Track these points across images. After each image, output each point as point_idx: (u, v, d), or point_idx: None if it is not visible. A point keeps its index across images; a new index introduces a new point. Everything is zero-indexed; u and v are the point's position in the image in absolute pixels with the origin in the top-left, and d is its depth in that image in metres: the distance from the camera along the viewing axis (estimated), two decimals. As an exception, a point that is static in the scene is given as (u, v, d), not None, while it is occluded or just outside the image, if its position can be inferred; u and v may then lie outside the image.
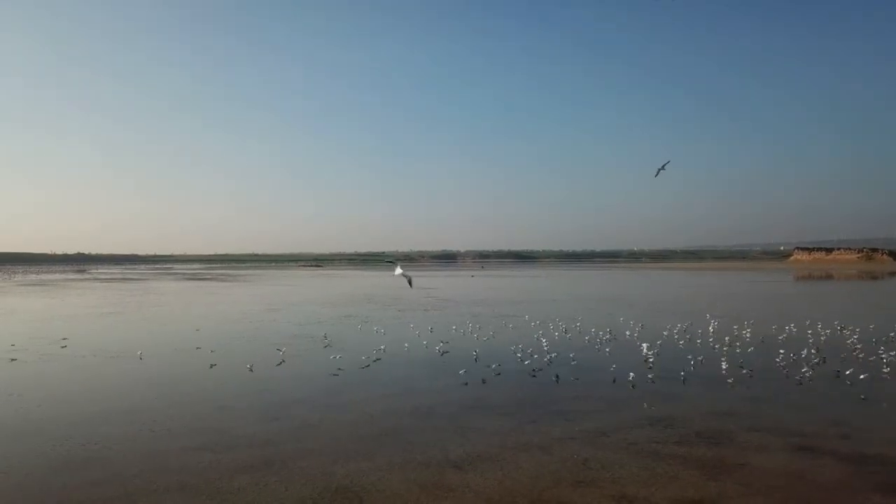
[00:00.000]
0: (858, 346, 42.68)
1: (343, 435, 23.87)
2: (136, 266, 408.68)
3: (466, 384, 33.05)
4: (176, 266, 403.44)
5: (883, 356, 38.15)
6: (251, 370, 36.76)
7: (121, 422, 25.97)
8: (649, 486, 18.07)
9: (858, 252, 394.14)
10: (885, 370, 34.55)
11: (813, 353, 40.13)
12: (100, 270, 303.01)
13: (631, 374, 34.77)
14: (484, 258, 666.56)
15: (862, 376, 32.86)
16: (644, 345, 44.17)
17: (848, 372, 34.12)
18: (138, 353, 42.72)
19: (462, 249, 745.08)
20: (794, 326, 54.24)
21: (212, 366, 39.31)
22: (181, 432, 24.31)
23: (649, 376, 33.93)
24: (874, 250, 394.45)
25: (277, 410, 27.87)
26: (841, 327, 53.42)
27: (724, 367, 35.93)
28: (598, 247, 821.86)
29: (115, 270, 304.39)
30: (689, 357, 38.85)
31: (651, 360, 39.02)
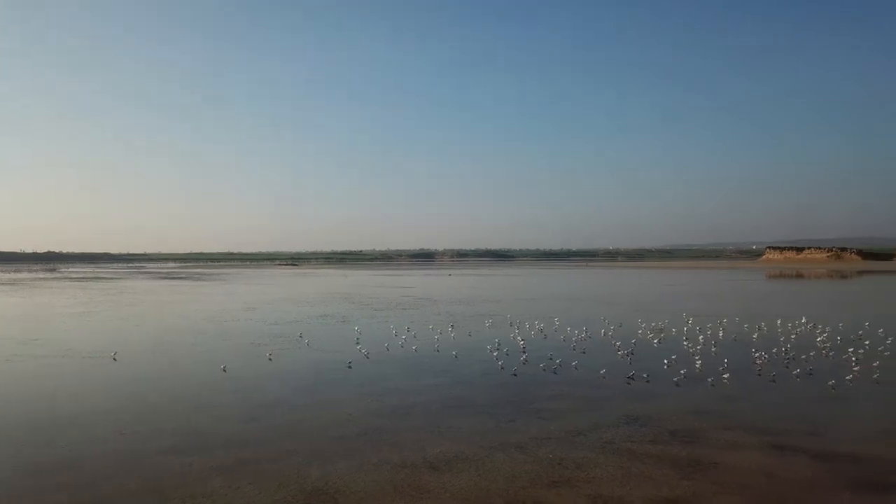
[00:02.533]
0: (828, 345, 43.46)
1: (320, 435, 23.74)
2: (109, 265, 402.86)
3: (445, 384, 33.10)
4: (149, 265, 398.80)
5: (852, 355, 38.81)
6: (225, 370, 36.43)
7: (92, 424, 25.59)
8: (624, 486, 18.21)
9: (828, 251, 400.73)
10: (854, 368, 35.14)
11: (784, 352, 40.79)
12: (71, 269, 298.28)
13: (603, 370, 35.19)
14: (462, 257, 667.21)
15: (832, 376, 33.48)
16: (619, 343, 44.75)
17: (817, 370, 34.81)
18: (112, 353, 42.14)
19: (440, 248, 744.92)
20: (765, 325, 55.07)
21: (187, 366, 38.96)
22: (154, 434, 24.01)
23: (626, 375, 34.12)
24: (843, 249, 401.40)
25: (253, 411, 27.65)
26: (811, 326, 54.32)
27: (697, 365, 36.35)
28: (575, 246, 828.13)
29: (87, 269, 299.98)
30: (664, 356, 39.25)
31: (627, 359, 39.36)
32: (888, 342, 44.24)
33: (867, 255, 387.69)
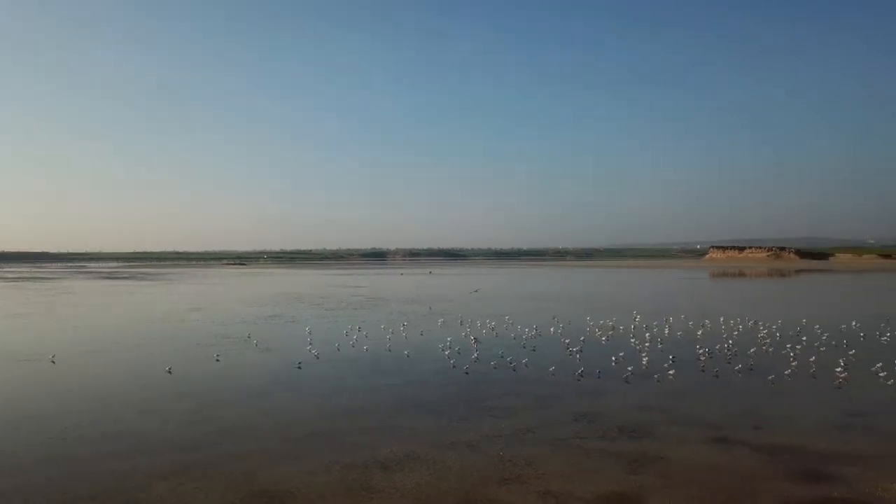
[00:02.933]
0: (768, 341, 44.96)
1: (269, 437, 23.39)
2: (48, 264, 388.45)
3: (397, 383, 33.02)
4: (91, 264, 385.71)
5: (790, 351, 40.20)
6: (170, 372, 35.58)
7: (30, 429, 24.68)
8: (573, 482, 18.46)
9: (768, 250, 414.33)
10: (792, 363, 36.34)
11: (727, 348, 42.01)
12: (6, 269, 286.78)
13: (552, 368, 35.69)
14: (414, 256, 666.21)
15: (771, 371, 34.63)
16: (568, 341, 45.40)
17: (758, 366, 36.01)
18: (50, 356, 40.71)
19: (392, 248, 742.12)
20: (709, 323, 56.65)
21: (130, 368, 37.92)
22: (96, 438, 23.29)
23: (575, 372, 34.58)
24: (782, 249, 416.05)
25: (199, 413, 27.08)
26: (752, 323, 56.08)
27: (644, 362, 37.12)
28: (525, 245, 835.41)
29: (24, 269, 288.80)
30: (612, 353, 39.98)
31: (576, 356, 39.94)
32: (824, 338, 45.98)
33: (804, 254, 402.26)
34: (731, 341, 44.96)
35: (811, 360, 37.12)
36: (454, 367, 36.97)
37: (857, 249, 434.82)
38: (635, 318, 60.93)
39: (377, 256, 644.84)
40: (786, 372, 34.16)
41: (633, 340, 46.55)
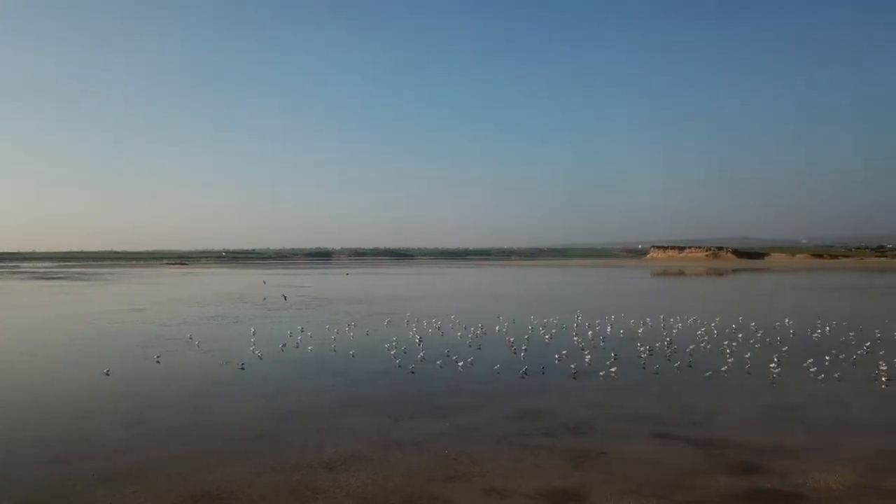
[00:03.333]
0: (706, 339, 46.39)
1: (212, 439, 22.96)
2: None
3: (342, 384, 32.82)
4: (24, 264, 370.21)
5: (727, 348, 41.61)
6: (108, 374, 34.53)
7: (-44, 436, 23.64)
8: (517, 478, 18.69)
9: (707, 250, 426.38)
10: (729, 360, 37.65)
11: (667, 345, 43.21)
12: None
13: (497, 366, 36.10)
14: (360, 256, 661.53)
15: (709, 367, 35.76)
16: (513, 339, 45.94)
17: (696, 363, 37.20)
18: (-23, 359, 39.06)
19: (337, 247, 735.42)
20: (650, 320, 58.10)
21: (67, 371, 36.66)
22: (29, 444, 22.45)
23: (519, 370, 35.00)
24: (720, 248, 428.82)
25: (140, 415, 26.39)
26: (691, 321, 57.79)
27: (587, 359, 37.83)
28: (472, 245, 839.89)
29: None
30: (556, 351, 40.64)
31: (521, 354, 40.45)
32: (759, 335, 47.73)
33: (741, 254, 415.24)
34: (669, 339, 46.23)
35: (746, 356, 38.53)
36: (400, 366, 36.96)
37: (791, 249, 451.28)
38: (578, 316, 62.08)
39: (322, 256, 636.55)
40: (722, 368, 35.35)
41: (576, 339, 47.37)
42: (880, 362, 35.68)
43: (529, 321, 58.60)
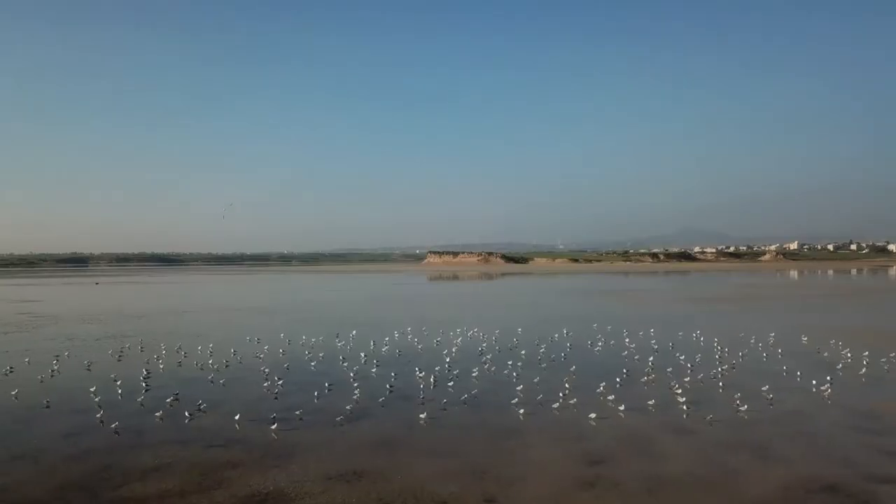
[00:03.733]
0: (489, 357, 41.64)
1: None
2: None
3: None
4: None
5: (512, 370, 37.04)
6: None
7: None
8: None
9: (479, 255, 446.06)
10: (518, 388, 32.12)
11: (448, 368, 37.73)
12: None
13: (238, 416, 27.40)
14: (123, 262, 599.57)
15: (497, 399, 30.59)
16: (268, 370, 37.57)
17: (483, 392, 31.89)
18: None
19: (96, 252, 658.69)
20: (427, 332, 53.08)
21: None
22: None
23: (268, 418, 26.57)
24: (490, 253, 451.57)
25: None
26: (472, 333, 53.69)
27: (356, 394, 30.53)
28: (250, 250, 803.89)
29: None
30: (319, 381, 33.62)
31: (276, 389, 32.33)
32: (542, 351, 44.00)
33: (509, 258, 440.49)
34: (449, 359, 40.95)
35: (535, 381, 33.82)
36: (102, 422, 26.70)
37: (552, 254, 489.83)
38: (351, 333, 54.50)
39: (77, 262, 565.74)
40: (513, 401, 29.81)
41: (344, 364, 40.18)
42: (672, 383, 32.97)
43: (298, 339, 50.34)
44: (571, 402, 29.48)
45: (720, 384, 32.92)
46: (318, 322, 66.38)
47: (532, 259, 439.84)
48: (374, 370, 38.01)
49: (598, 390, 31.47)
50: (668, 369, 36.83)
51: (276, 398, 30.79)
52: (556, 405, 28.56)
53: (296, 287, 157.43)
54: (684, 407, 28.43)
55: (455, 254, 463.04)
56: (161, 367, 40.12)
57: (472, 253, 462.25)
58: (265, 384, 33.91)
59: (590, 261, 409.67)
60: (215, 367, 39.53)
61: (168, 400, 30.09)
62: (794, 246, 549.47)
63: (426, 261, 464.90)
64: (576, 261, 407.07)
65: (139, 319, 72.47)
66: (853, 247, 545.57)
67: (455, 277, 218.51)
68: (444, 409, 28.57)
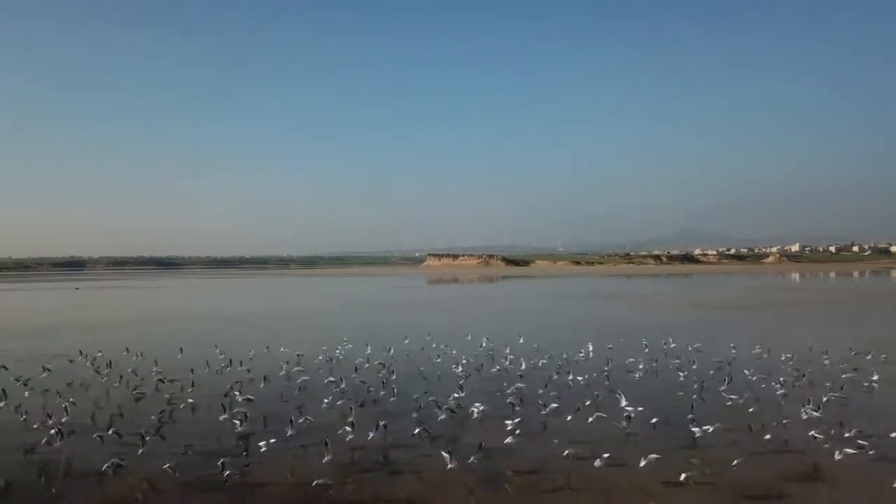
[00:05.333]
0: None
1: None
2: None
3: None
4: None
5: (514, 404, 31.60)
6: None
7: None
8: None
9: (479, 258, 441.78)
10: (516, 421, 25.72)
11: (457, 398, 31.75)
12: None
13: (192, 443, 22.25)
14: (120, 266, 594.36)
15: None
16: (236, 392, 31.61)
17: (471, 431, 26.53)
18: None
19: (94, 256, 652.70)
20: (411, 340, 48.04)
21: None
22: None
23: (218, 464, 21.20)
24: (491, 256, 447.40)
25: None
26: (467, 339, 48.95)
27: (349, 437, 24.59)
28: (249, 252, 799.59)
29: None
30: (297, 402, 28.16)
31: (242, 415, 26.63)
32: (581, 380, 35.37)
33: (509, 261, 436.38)
34: (438, 371, 35.68)
35: (543, 412, 28.38)
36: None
37: (553, 256, 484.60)
38: (344, 344, 48.38)
39: (74, 266, 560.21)
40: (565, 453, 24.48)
41: (329, 378, 34.75)
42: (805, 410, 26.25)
43: (276, 353, 44.75)
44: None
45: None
46: (303, 329, 60.87)
47: (533, 262, 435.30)
48: (390, 387, 32.53)
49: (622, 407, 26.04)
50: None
51: (242, 422, 25.28)
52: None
53: (289, 291, 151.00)
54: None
55: (455, 256, 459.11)
56: (115, 388, 34.25)
57: (471, 255, 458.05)
58: (229, 404, 28.28)
59: (592, 263, 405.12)
60: (181, 386, 33.82)
61: (133, 427, 24.47)
62: (795, 248, 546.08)
63: (425, 263, 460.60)
64: (578, 263, 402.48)
65: (107, 330, 65.34)
66: (855, 248, 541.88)
67: (455, 280, 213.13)
68: (448, 450, 22.92)
